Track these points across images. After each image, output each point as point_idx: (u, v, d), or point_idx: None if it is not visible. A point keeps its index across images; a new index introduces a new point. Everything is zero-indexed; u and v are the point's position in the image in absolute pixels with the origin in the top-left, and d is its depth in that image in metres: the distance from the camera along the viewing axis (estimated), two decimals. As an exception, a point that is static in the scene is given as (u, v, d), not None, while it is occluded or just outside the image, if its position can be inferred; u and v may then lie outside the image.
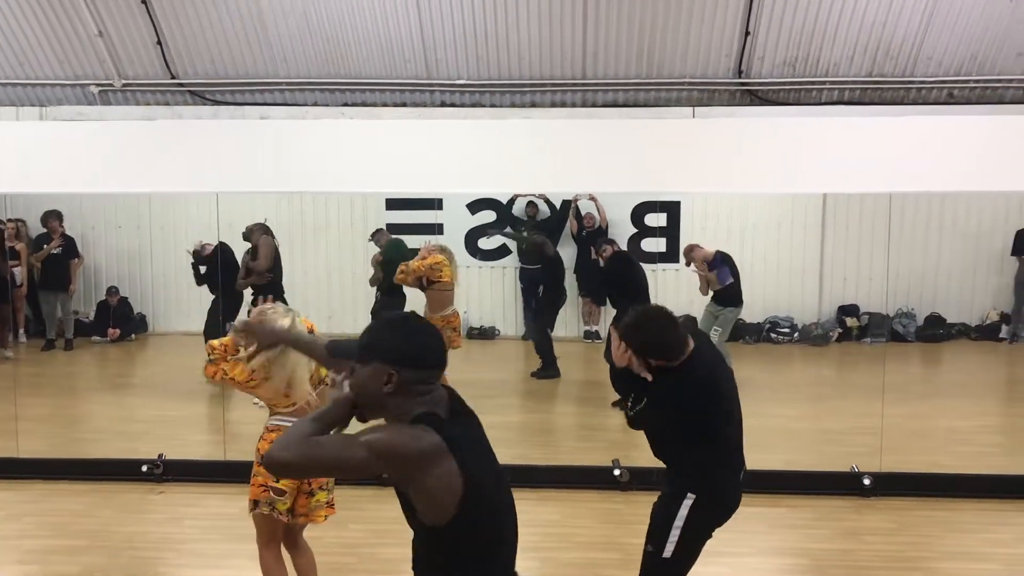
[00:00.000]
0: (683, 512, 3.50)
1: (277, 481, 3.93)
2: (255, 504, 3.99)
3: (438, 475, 2.27)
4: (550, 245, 9.85)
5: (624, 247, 11.21)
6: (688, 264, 8.91)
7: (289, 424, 3.91)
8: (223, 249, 8.59)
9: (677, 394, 3.48)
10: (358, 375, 2.39)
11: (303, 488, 4.03)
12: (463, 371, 8.00)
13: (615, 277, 8.50)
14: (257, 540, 4.13)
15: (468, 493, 2.30)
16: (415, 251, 8.63)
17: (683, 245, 11.17)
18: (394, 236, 9.41)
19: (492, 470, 2.51)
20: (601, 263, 8.83)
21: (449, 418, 2.39)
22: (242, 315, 4.23)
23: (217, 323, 8.72)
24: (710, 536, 3.63)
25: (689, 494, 3.51)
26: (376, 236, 9.42)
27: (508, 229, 10.73)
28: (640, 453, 6.64)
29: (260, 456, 3.94)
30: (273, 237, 8.66)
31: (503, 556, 2.48)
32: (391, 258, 8.67)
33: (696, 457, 3.55)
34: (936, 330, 11.09)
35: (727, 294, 8.62)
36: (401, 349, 2.36)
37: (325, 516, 4.14)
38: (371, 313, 9.03)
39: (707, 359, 3.59)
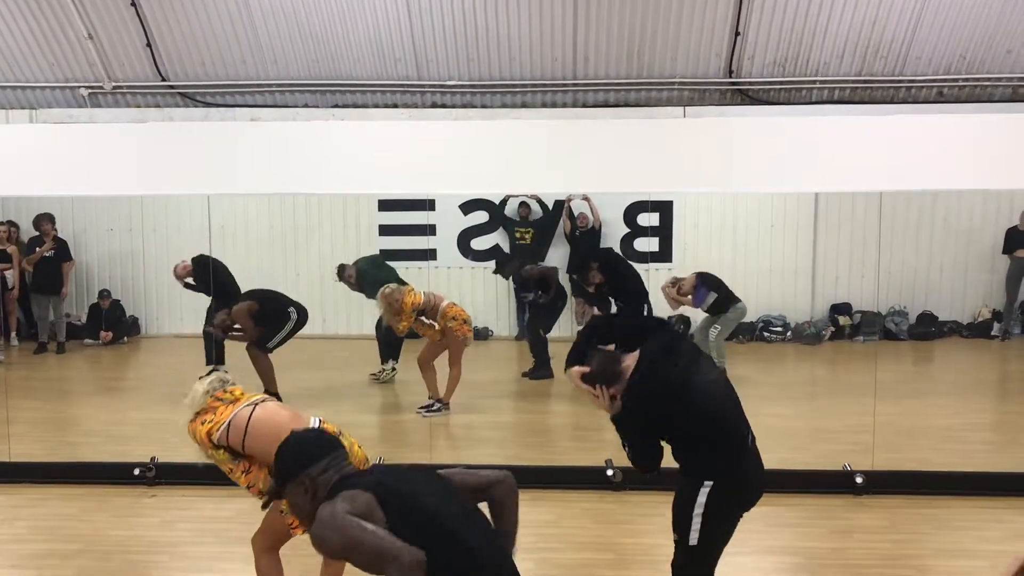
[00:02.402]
0: (701, 499, 3.49)
1: None
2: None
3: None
4: (554, 278, 9.73)
5: (617, 247, 11.25)
6: (671, 286, 8.96)
7: None
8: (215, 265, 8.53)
9: (637, 405, 3.50)
10: (291, 505, 2.80)
11: None
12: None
13: (613, 276, 8.47)
14: (259, 544, 4.08)
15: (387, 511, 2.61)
16: (386, 267, 8.68)
17: (676, 245, 11.27)
18: (359, 259, 9.35)
19: (417, 491, 2.76)
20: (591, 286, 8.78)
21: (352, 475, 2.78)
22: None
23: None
24: (738, 518, 3.62)
25: (706, 482, 3.50)
26: (341, 272, 9.25)
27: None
28: (633, 453, 6.66)
29: None
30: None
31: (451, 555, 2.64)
32: (373, 278, 8.78)
33: (700, 451, 3.53)
34: (928, 328, 11.12)
35: (715, 305, 8.76)
36: (290, 464, 2.77)
37: None
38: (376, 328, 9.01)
39: (654, 363, 3.56)
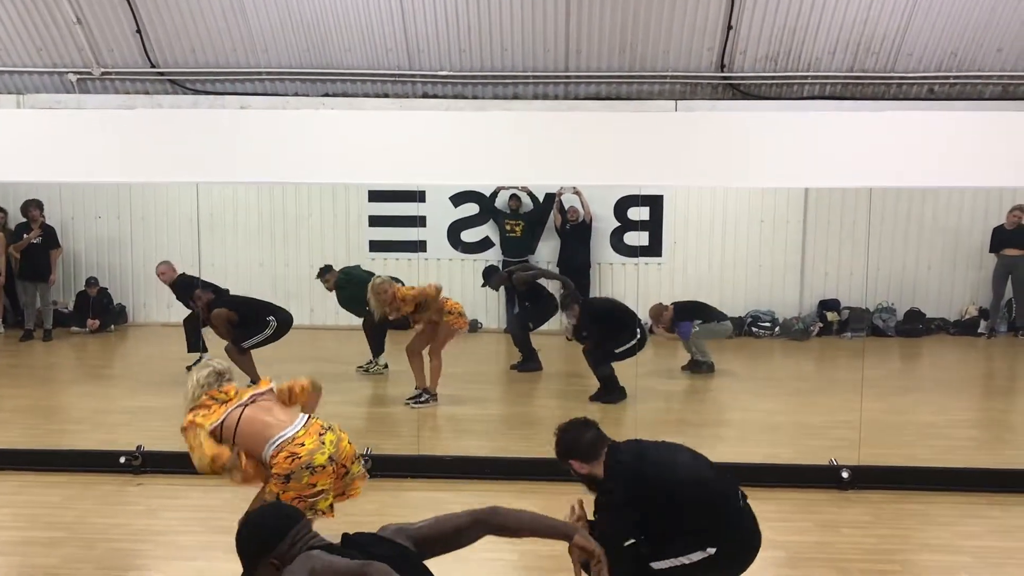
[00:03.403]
0: (695, 556, 3.47)
1: (315, 485, 3.89)
2: None
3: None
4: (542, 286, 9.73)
5: (607, 241, 11.27)
6: (657, 324, 8.95)
7: (286, 436, 3.92)
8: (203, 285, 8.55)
9: (620, 490, 3.51)
10: None
11: (338, 474, 4.00)
12: (445, 363, 8.01)
13: (596, 320, 8.38)
14: None
15: None
16: (367, 275, 8.65)
17: (666, 239, 11.27)
18: (344, 269, 9.36)
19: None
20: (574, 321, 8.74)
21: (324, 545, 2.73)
22: None
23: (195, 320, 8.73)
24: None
25: (708, 548, 3.47)
26: (323, 273, 9.31)
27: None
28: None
29: (282, 477, 3.88)
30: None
31: None
32: (350, 295, 8.89)
33: (695, 521, 3.51)
34: (915, 325, 11.17)
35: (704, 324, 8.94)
36: (259, 543, 2.71)
37: (359, 486, 4.13)
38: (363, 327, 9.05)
39: (631, 451, 3.63)
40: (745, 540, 3.59)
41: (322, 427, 3.99)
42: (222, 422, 3.96)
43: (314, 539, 2.73)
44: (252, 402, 4.05)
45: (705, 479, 3.61)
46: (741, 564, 3.60)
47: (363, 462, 4.20)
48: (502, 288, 10.57)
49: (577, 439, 3.66)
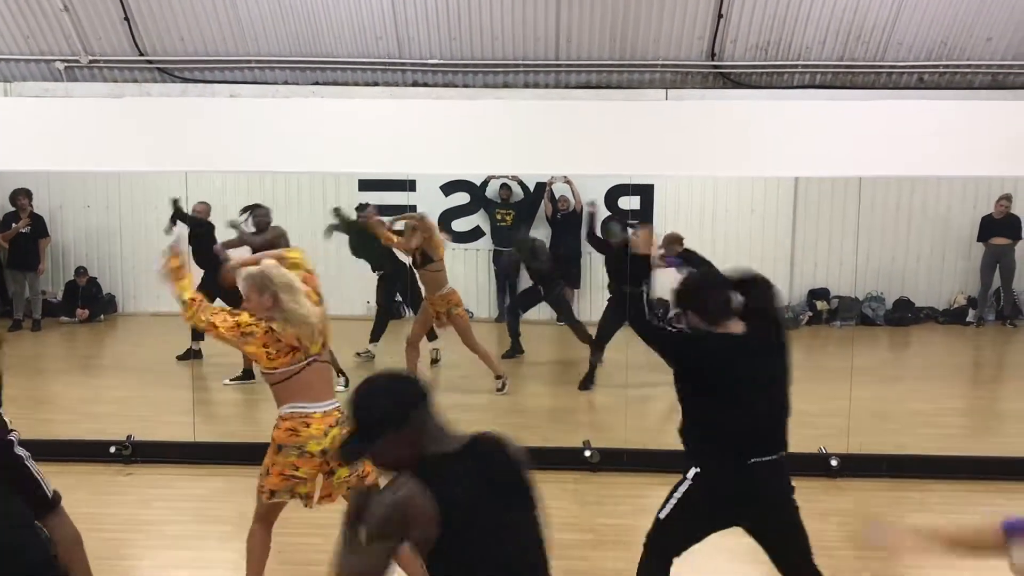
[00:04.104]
0: (683, 486, 3.54)
1: (297, 469, 3.88)
2: (272, 494, 3.95)
3: (417, 514, 2.32)
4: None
5: (597, 231, 11.23)
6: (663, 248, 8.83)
7: (305, 411, 3.89)
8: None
9: (686, 344, 3.57)
10: (380, 458, 2.46)
11: (323, 469, 3.96)
12: (442, 353, 8.02)
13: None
14: (256, 511, 4.08)
15: (445, 520, 2.34)
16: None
17: (656, 228, 11.24)
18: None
19: (484, 495, 2.50)
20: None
21: (441, 455, 2.46)
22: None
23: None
24: (712, 526, 3.59)
25: (694, 468, 3.53)
26: (363, 208, 9.29)
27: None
28: (611, 434, 6.66)
29: (276, 445, 3.90)
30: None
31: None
32: (367, 244, 8.90)
33: (696, 432, 3.57)
34: (904, 314, 11.21)
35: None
36: (389, 413, 2.40)
37: (338, 495, 4.06)
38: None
39: (737, 342, 3.61)
40: (737, 487, 3.50)
41: (336, 420, 3.94)
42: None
43: (446, 440, 2.52)
44: (316, 360, 3.98)
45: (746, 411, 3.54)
46: (725, 508, 3.53)
47: (352, 472, 4.06)
48: (493, 278, 10.58)
49: (711, 298, 3.68)
